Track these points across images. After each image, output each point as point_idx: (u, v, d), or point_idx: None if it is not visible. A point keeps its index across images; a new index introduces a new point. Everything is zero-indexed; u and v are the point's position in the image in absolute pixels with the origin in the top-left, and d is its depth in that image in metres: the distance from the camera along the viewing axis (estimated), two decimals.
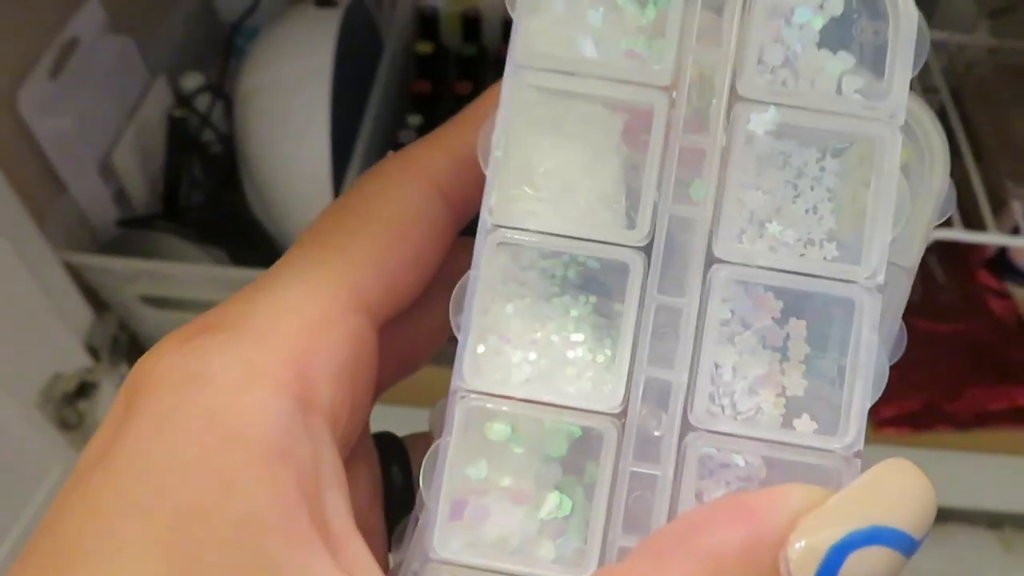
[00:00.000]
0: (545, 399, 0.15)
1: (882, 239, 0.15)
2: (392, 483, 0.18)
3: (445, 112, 0.73)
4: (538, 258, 0.16)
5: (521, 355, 0.16)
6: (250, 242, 0.66)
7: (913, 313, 0.65)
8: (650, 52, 0.16)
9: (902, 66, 0.16)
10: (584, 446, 0.15)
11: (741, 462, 0.15)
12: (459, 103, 0.73)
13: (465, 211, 0.18)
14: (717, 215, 0.16)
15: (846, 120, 0.16)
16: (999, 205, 0.62)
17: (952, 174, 0.48)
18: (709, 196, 0.16)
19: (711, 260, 0.16)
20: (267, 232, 0.68)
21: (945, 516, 0.76)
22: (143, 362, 0.14)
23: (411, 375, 0.20)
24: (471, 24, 0.81)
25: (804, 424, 0.15)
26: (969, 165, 0.61)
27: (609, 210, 0.16)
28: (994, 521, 0.75)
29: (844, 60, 0.16)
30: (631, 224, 0.16)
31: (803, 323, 0.16)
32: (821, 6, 0.16)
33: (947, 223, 0.55)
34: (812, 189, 0.16)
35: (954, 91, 0.68)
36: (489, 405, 0.15)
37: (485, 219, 0.16)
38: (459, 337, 0.15)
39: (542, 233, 0.16)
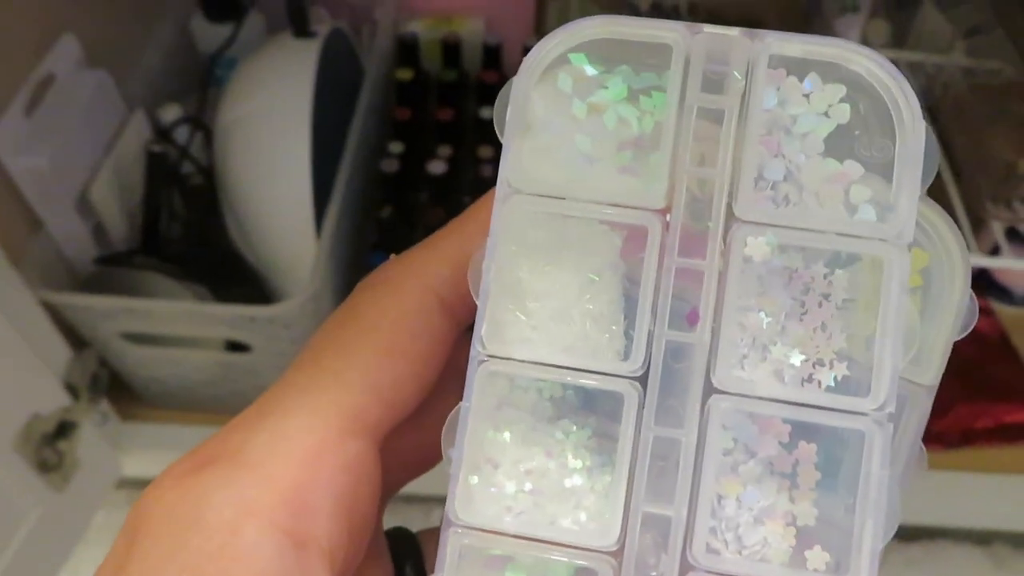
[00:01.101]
0: (539, 535, 0.15)
1: (892, 366, 0.15)
2: None
3: (426, 138, 0.73)
4: (535, 380, 0.16)
5: (515, 486, 0.15)
6: (231, 274, 0.65)
7: None
8: (645, 169, 0.16)
9: (909, 184, 0.15)
10: None
11: None
12: (440, 129, 0.73)
13: (466, 316, 0.18)
14: (715, 341, 0.15)
15: (850, 241, 0.15)
16: (978, 224, 0.62)
17: (931, 193, 0.48)
18: (707, 321, 0.15)
19: (710, 390, 0.15)
20: (248, 263, 0.67)
21: (935, 534, 0.76)
22: (144, 498, 0.15)
23: (425, 472, 0.19)
24: (451, 50, 0.81)
25: (816, 556, 0.15)
26: (948, 185, 0.61)
27: (605, 332, 0.16)
28: (983, 538, 0.75)
29: (852, 169, 0.15)
30: (629, 346, 0.15)
31: (813, 447, 0.15)
32: (826, 113, 0.15)
33: None
34: (820, 305, 0.15)
35: (931, 111, 0.68)
36: (482, 542, 0.15)
37: (477, 350, 0.15)
38: (451, 470, 0.15)
39: (534, 363, 0.15)
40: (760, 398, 0.15)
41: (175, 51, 0.79)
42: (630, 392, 0.15)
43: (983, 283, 0.76)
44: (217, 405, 0.69)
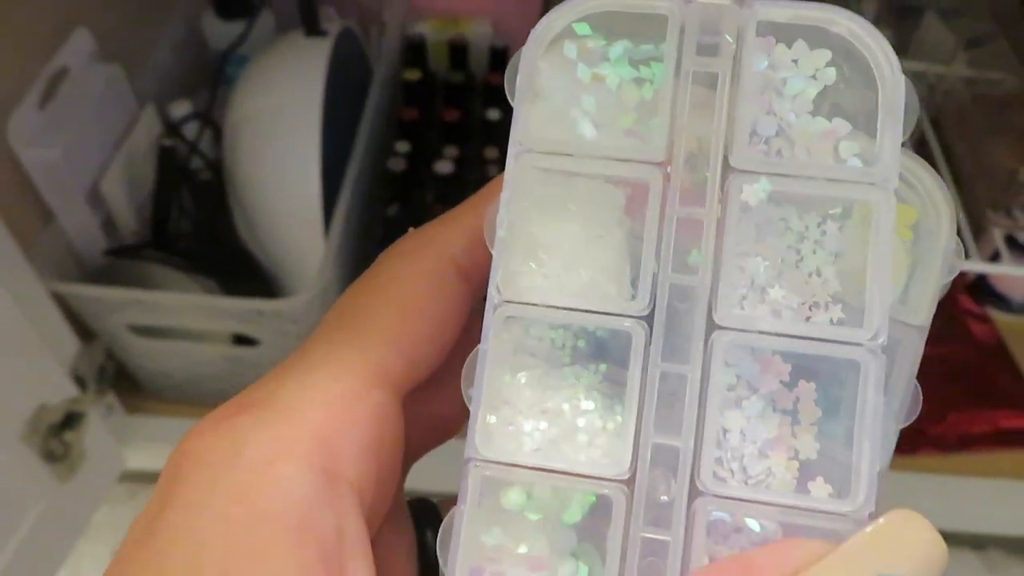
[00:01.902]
0: (555, 467, 0.16)
1: (882, 301, 0.15)
2: (427, 548, 0.19)
3: (433, 138, 0.74)
4: (548, 329, 0.17)
5: (532, 424, 0.16)
6: (239, 270, 0.66)
7: None
8: (646, 130, 0.17)
9: (891, 132, 0.16)
10: (599, 512, 0.16)
11: (756, 527, 0.15)
12: (446, 129, 0.73)
13: (482, 283, 0.18)
14: (716, 283, 0.16)
15: (840, 186, 0.16)
16: (979, 231, 0.63)
17: None
18: (707, 265, 0.16)
19: (712, 327, 0.16)
20: (256, 260, 0.68)
21: None
22: (185, 441, 0.16)
23: (446, 441, 0.20)
24: (458, 52, 0.82)
25: (819, 487, 0.15)
26: (950, 190, 0.62)
27: (613, 281, 0.17)
28: (978, 543, 0.76)
29: (840, 126, 0.16)
30: (635, 290, 0.16)
31: (812, 385, 0.16)
32: (814, 76, 0.16)
33: None
34: (815, 252, 0.16)
35: (933, 120, 0.69)
36: (501, 474, 0.16)
37: (492, 295, 0.16)
38: (471, 408, 0.16)
39: (546, 307, 0.16)
40: (760, 332, 0.16)
41: (186, 48, 0.79)
42: (637, 331, 0.16)
43: (982, 291, 0.77)
44: (222, 399, 0.69)
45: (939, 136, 0.67)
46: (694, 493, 0.15)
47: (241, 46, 0.76)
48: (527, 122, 0.17)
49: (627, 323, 0.16)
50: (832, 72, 0.16)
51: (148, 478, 0.78)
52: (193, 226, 0.69)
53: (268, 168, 0.65)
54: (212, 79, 0.75)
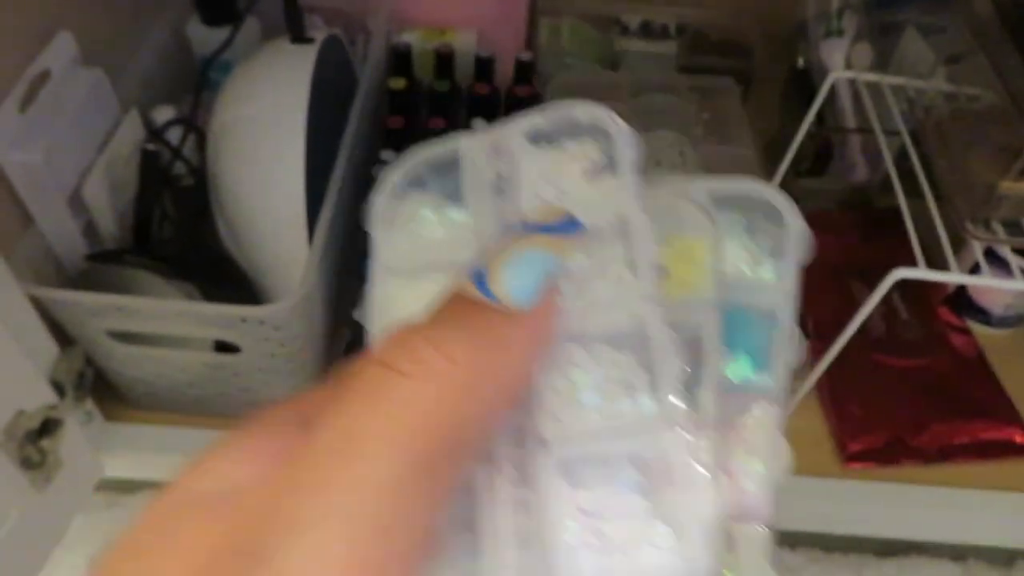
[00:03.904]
0: None
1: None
2: None
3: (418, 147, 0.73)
4: None
5: None
6: (221, 277, 0.65)
7: (878, 349, 0.66)
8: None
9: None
10: None
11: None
12: (432, 138, 0.73)
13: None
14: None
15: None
16: (959, 245, 0.63)
17: (914, 214, 0.49)
18: None
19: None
20: (239, 266, 0.67)
21: (909, 549, 0.77)
22: None
23: None
24: (444, 61, 0.82)
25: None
26: (930, 205, 0.63)
27: None
28: (958, 554, 0.77)
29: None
30: None
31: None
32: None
33: (911, 263, 0.56)
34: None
35: (913, 134, 0.70)
36: None
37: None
38: None
39: None
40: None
41: (170, 53, 0.79)
42: None
43: (963, 304, 0.78)
44: (202, 408, 0.69)
45: (919, 150, 0.68)
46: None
47: (226, 52, 0.75)
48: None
49: None
50: None
51: (126, 487, 0.77)
52: (175, 232, 0.68)
53: (252, 175, 0.64)
54: (196, 85, 0.75)
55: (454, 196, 0.20)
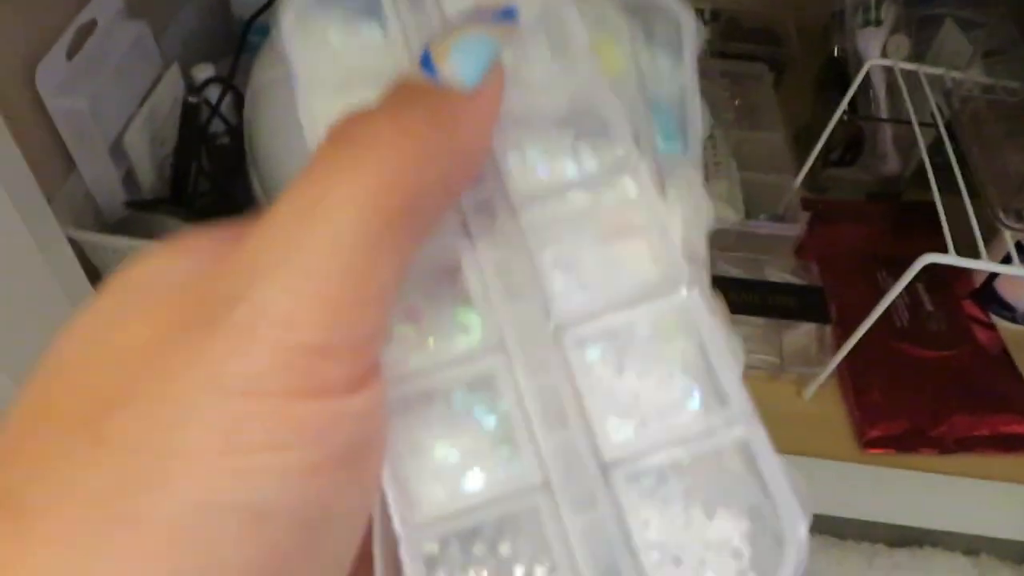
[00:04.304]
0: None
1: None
2: None
3: None
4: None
5: None
6: None
7: (901, 339, 0.66)
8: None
9: None
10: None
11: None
12: None
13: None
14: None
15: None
16: (991, 235, 0.64)
17: (945, 205, 0.49)
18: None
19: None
20: None
21: (923, 539, 0.77)
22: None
23: None
24: None
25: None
26: (964, 195, 0.63)
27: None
28: (971, 547, 0.77)
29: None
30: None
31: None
32: None
33: (943, 248, 0.56)
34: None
35: (948, 125, 0.70)
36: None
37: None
38: None
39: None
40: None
41: (211, 13, 0.80)
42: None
43: (988, 298, 0.78)
44: None
45: (954, 141, 0.67)
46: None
47: (265, 14, 0.76)
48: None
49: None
50: None
51: None
52: (211, 186, 0.69)
53: (287, 135, 0.65)
54: (236, 46, 0.75)
55: (372, 10, 0.20)
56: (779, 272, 0.76)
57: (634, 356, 0.17)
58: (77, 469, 0.14)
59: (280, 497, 0.14)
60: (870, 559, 0.78)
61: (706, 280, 0.18)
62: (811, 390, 0.69)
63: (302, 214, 0.15)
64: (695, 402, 0.17)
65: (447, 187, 0.17)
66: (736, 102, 0.88)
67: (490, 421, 0.18)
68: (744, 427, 0.17)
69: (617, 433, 0.17)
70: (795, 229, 0.75)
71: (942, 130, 0.68)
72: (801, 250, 0.79)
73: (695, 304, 0.17)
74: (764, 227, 0.75)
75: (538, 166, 0.18)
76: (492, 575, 0.17)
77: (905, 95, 0.71)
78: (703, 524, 0.17)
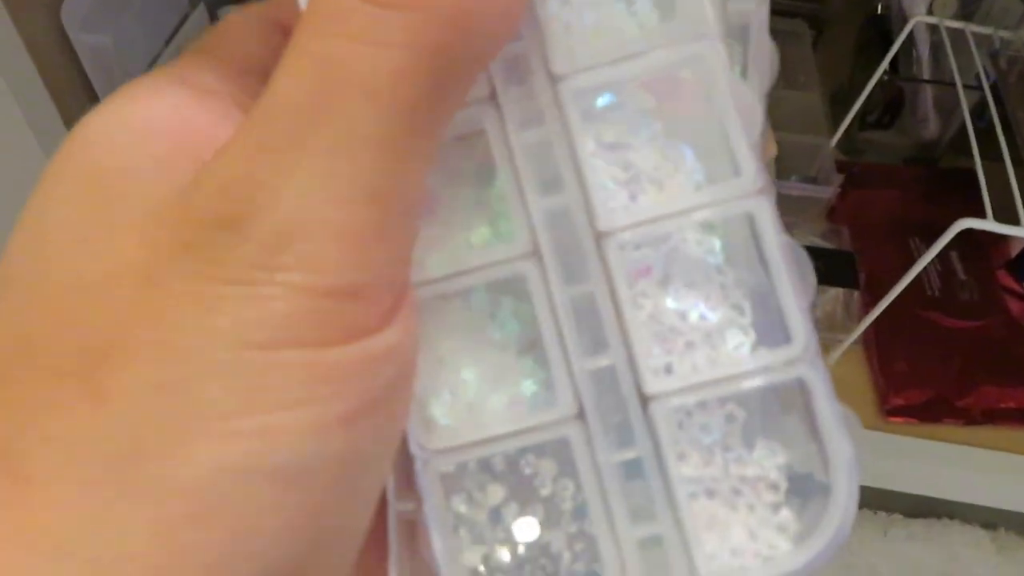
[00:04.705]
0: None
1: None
2: None
3: None
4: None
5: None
6: None
7: (932, 307, 0.64)
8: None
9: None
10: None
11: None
12: None
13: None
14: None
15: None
16: None
17: (985, 171, 0.47)
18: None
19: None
20: None
21: (940, 511, 0.76)
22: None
23: None
24: None
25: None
26: (1006, 160, 0.60)
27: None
28: (990, 521, 0.76)
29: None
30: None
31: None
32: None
33: (981, 214, 0.55)
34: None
35: (993, 87, 0.67)
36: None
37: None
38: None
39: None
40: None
41: None
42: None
43: (1022, 268, 0.76)
44: None
45: (999, 105, 0.65)
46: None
47: None
48: None
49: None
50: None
51: None
52: None
53: None
54: None
55: None
56: (808, 235, 0.75)
57: (683, 272, 0.16)
58: (78, 430, 0.12)
59: (317, 455, 0.13)
60: (885, 528, 0.77)
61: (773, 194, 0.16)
62: (836, 356, 0.68)
63: (312, 109, 0.13)
64: (749, 332, 0.16)
65: (475, 62, 0.14)
66: None
67: (513, 328, 0.16)
68: (806, 367, 0.15)
69: (660, 363, 0.16)
70: (827, 191, 0.73)
71: (987, 92, 0.65)
72: (832, 214, 0.77)
73: (760, 209, 0.15)
74: (795, 188, 0.73)
75: (585, 12, 0.15)
76: (512, 493, 0.16)
77: (950, 55, 0.68)
78: (741, 457, 0.16)
